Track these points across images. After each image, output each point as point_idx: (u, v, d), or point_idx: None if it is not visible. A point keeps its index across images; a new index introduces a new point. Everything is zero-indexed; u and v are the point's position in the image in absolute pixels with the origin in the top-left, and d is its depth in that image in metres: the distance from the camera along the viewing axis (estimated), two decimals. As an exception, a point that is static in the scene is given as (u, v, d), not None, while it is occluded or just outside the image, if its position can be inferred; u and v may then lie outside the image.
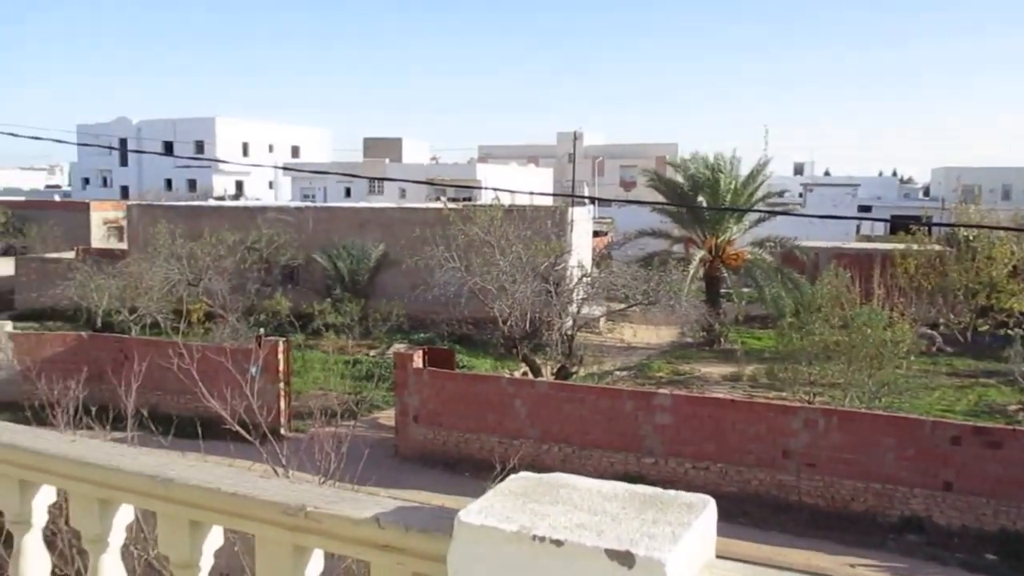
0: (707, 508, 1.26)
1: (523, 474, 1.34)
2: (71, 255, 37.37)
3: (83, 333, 24.58)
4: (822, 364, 20.18)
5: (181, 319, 26.70)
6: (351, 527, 1.34)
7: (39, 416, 11.32)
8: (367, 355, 27.50)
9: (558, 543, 1.11)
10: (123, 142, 69.40)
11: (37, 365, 21.13)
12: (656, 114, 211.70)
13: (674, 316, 27.08)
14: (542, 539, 1.12)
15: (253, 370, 16.42)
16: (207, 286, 28.90)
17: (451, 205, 32.74)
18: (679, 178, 32.28)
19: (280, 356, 20.97)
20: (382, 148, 68.75)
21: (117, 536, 1.60)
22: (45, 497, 1.68)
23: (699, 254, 29.89)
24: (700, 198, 30.72)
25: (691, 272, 28.18)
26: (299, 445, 11.63)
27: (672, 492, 1.28)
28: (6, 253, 44.26)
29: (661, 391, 19.18)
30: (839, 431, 16.22)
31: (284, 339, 22.36)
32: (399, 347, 25.00)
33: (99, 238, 48.76)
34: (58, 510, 1.74)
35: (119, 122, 73.47)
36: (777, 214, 31.60)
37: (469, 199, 41.81)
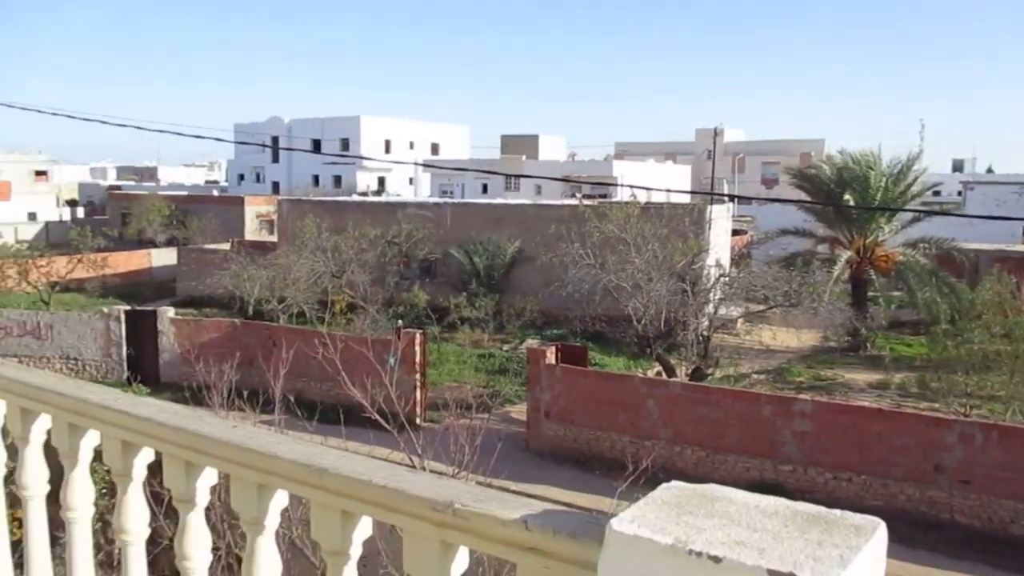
0: (877, 532, 1.17)
1: (675, 483, 1.29)
2: (226, 246, 39.71)
3: (236, 320, 26.03)
4: (981, 375, 18.85)
5: (325, 309, 27.88)
6: (498, 527, 1.33)
7: (197, 397, 12.05)
8: (500, 349, 27.83)
9: (716, 559, 1.06)
10: (275, 140, 73.08)
11: (195, 349, 22.60)
12: (801, 110, 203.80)
13: (817, 319, 25.96)
14: (699, 554, 1.07)
15: (391, 361, 16.95)
16: (349, 278, 30.03)
17: (587, 202, 32.67)
18: (826, 174, 30.89)
19: (417, 348, 21.52)
20: (519, 145, 69.42)
21: (272, 519, 1.66)
22: (208, 479, 1.76)
23: (845, 255, 28.54)
24: (847, 196, 29.32)
25: (836, 273, 26.95)
26: (434, 435, 11.90)
27: (838, 512, 1.20)
28: (170, 244, 47.46)
29: (801, 397, 18.44)
30: (999, 447, 15.11)
31: (421, 331, 22.94)
32: (532, 342, 25.16)
33: (252, 231, 51.58)
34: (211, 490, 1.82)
35: (272, 121, 77.40)
36: (934, 214, 29.80)
37: (605, 196, 41.60)
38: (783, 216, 33.67)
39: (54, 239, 51.35)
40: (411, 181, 71.63)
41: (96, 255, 37.24)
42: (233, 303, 31.12)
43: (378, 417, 10.51)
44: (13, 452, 2.24)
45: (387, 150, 73.49)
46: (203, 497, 1.78)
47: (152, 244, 48.57)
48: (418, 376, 21.32)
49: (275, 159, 75.56)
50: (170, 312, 26.27)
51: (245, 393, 11.93)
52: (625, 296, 22.42)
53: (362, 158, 66.15)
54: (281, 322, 27.03)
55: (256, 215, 53.53)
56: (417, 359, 21.44)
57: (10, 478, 2.31)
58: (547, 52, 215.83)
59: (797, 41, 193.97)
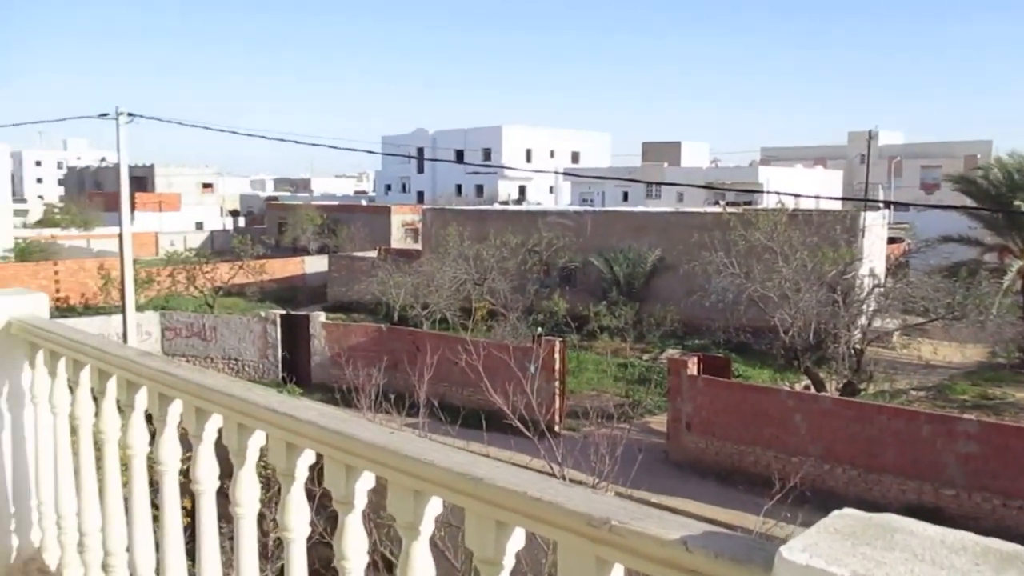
0: (1085, 575, 1.05)
1: (848, 511, 1.21)
2: (373, 254, 41.20)
3: (382, 325, 26.95)
4: None
5: (467, 316, 28.44)
6: (656, 546, 1.29)
7: (346, 399, 12.55)
8: (640, 359, 27.50)
9: (899, 597, 0.98)
10: (420, 151, 75.35)
11: (344, 352, 23.54)
12: (966, 111, 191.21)
13: (984, 333, 24.22)
14: (879, 589, 1.00)
15: (532, 368, 17.06)
16: (491, 285, 30.52)
17: (731, 209, 31.80)
18: (996, 177, 28.77)
19: (556, 355, 21.57)
20: (660, 152, 68.54)
21: (427, 526, 1.69)
22: (366, 482, 1.81)
23: (1016, 264, 26.48)
24: (1018, 202, 27.22)
25: (1006, 284, 25.07)
26: (574, 444, 11.88)
27: (1038, 551, 1.09)
28: (321, 251, 49.71)
29: (966, 416, 17.22)
30: None
31: (561, 339, 22.98)
32: (672, 352, 24.72)
33: (397, 239, 53.31)
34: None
35: (417, 133, 79.85)
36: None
37: (750, 203, 40.41)
38: (945, 223, 31.56)
39: (218, 247, 54.86)
40: (551, 190, 72.11)
41: (255, 262, 39.48)
42: (379, 308, 32.21)
43: (519, 424, 10.59)
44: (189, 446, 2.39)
45: (528, 159, 74.27)
46: (361, 500, 1.83)
47: (305, 252, 51.03)
48: (557, 384, 21.36)
49: (420, 170, 77.85)
50: (321, 317, 27.50)
51: (392, 396, 12.30)
52: (771, 307, 21.67)
53: (503, 168, 67.15)
54: (424, 328, 27.76)
55: (402, 224, 55.30)
56: (557, 367, 21.48)
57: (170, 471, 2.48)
58: (691, 56, 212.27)
59: (961, 38, 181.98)
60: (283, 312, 28.61)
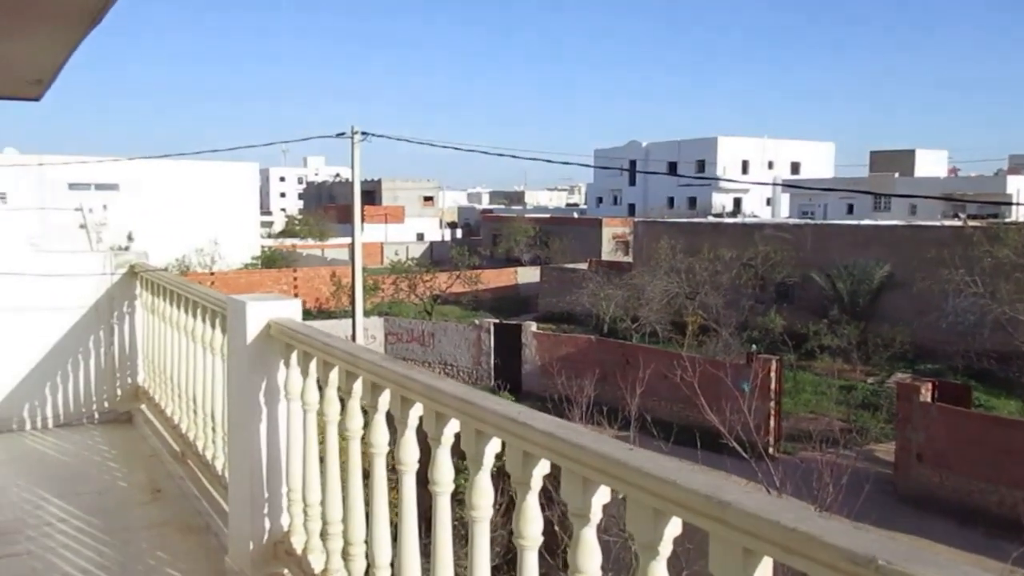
0: None
1: None
2: (584, 266, 41.57)
3: (592, 337, 27.09)
4: None
5: (677, 330, 27.96)
6: (931, 593, 1.18)
7: (557, 408, 12.70)
8: (864, 382, 25.77)
9: None
10: (632, 164, 75.14)
11: (554, 362, 23.90)
12: None
13: None
14: None
15: (745, 386, 16.46)
16: (703, 300, 29.84)
17: (974, 223, 29.09)
18: None
19: (772, 374, 20.70)
20: (891, 161, 64.03)
21: (666, 547, 1.65)
22: (602, 496, 1.80)
23: None
24: None
25: None
26: (793, 468, 11.30)
27: None
28: (533, 262, 50.84)
29: None
30: None
31: (777, 357, 22.03)
32: (902, 377, 22.94)
33: (608, 251, 53.45)
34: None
35: (630, 146, 79.74)
36: None
37: (996, 216, 36.78)
38: None
39: (437, 257, 57.61)
40: (769, 202, 69.38)
41: (471, 272, 41.08)
42: (589, 320, 32.42)
43: (735, 445, 10.24)
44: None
45: (744, 171, 71.98)
46: (597, 514, 1.82)
47: (518, 263, 52.41)
48: (773, 404, 20.47)
49: (632, 182, 77.66)
50: (533, 326, 28.09)
51: (605, 409, 12.31)
52: (1021, 331, 19.57)
53: (717, 179, 65.53)
54: (634, 341, 27.60)
55: (612, 236, 55.40)
56: (772, 386, 20.60)
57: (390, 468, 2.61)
58: (927, 58, 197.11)
59: None
60: (496, 321, 29.51)
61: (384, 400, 2.67)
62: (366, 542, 2.90)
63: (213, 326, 4.38)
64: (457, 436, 2.33)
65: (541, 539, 2.03)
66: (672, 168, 68.35)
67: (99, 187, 46.66)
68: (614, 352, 24.39)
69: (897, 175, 59.02)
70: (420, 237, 73.55)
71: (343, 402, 3.01)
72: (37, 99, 11.54)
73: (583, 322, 33.36)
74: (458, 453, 2.29)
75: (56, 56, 8.79)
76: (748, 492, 1.48)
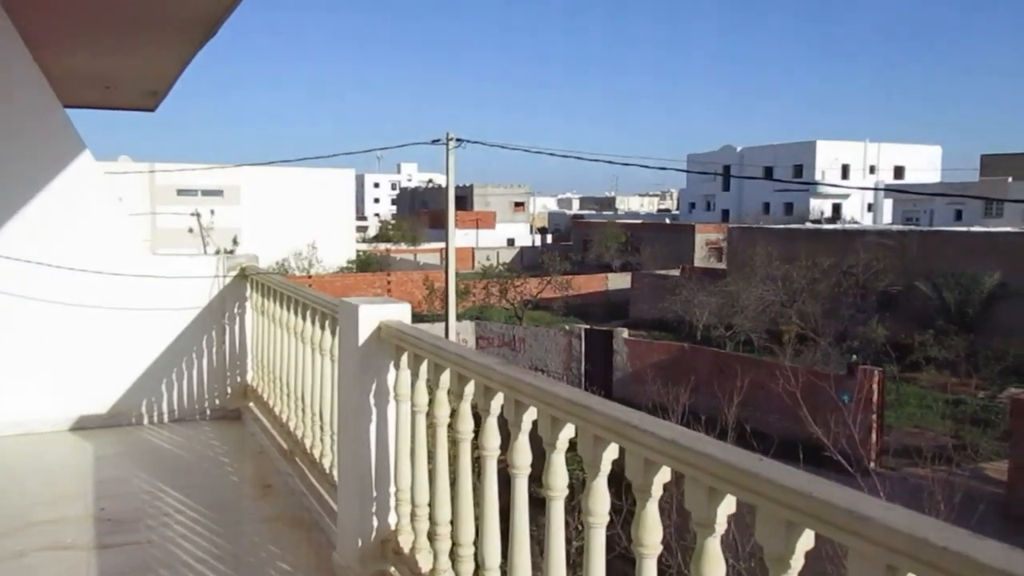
0: None
1: None
2: (676, 272, 41.01)
3: (684, 344, 26.69)
4: None
5: (773, 339, 27.25)
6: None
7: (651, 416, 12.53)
8: (973, 396, 24.58)
9: None
10: (726, 168, 73.77)
11: (645, 369, 23.64)
12: None
13: None
14: None
15: (845, 398, 15.94)
16: (800, 308, 29.02)
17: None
18: None
19: (874, 386, 19.96)
20: (1005, 165, 60.91)
21: (798, 560, 1.61)
22: (728, 506, 1.77)
23: None
24: None
25: None
26: (898, 485, 10.87)
27: None
28: (624, 269, 50.45)
29: None
30: None
31: (879, 369, 21.24)
32: (1016, 391, 21.75)
33: (700, 258, 52.60)
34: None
35: (724, 150, 78.32)
36: None
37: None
38: None
39: (527, 262, 57.79)
40: (870, 208, 67.04)
41: (561, 277, 41.03)
42: (681, 327, 31.95)
43: (840, 458, 9.91)
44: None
45: (844, 175, 69.77)
46: (722, 524, 1.79)
47: (608, 268, 52.11)
48: (875, 417, 19.73)
49: (726, 187, 76.27)
50: (624, 333, 27.87)
51: (703, 418, 12.09)
52: None
53: (815, 184, 63.72)
54: (728, 349, 27.06)
55: (705, 243, 54.50)
56: (875, 398, 19.87)
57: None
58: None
59: None
60: (587, 327, 29.40)
61: (497, 403, 2.69)
62: (475, 544, 2.93)
63: (323, 328, 4.50)
64: (571, 441, 2.33)
65: (660, 548, 2.01)
66: (768, 173, 66.79)
67: (205, 193, 48.64)
68: (707, 360, 23.95)
69: (1011, 179, 56.13)
70: (511, 242, 73.96)
71: (454, 404, 3.05)
72: (152, 110, 12.09)
73: (675, 329, 32.89)
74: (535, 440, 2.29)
75: (172, 68, 9.17)
76: (889, 506, 1.43)
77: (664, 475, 1.96)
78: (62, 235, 6.03)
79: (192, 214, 33.92)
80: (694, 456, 1.79)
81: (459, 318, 30.54)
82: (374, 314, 3.57)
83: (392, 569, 3.59)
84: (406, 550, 3.46)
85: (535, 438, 2.45)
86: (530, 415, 2.50)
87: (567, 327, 29.79)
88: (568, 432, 2.33)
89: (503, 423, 2.68)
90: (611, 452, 2.15)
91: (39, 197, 5.95)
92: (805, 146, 71.12)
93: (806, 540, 1.60)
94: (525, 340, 29.43)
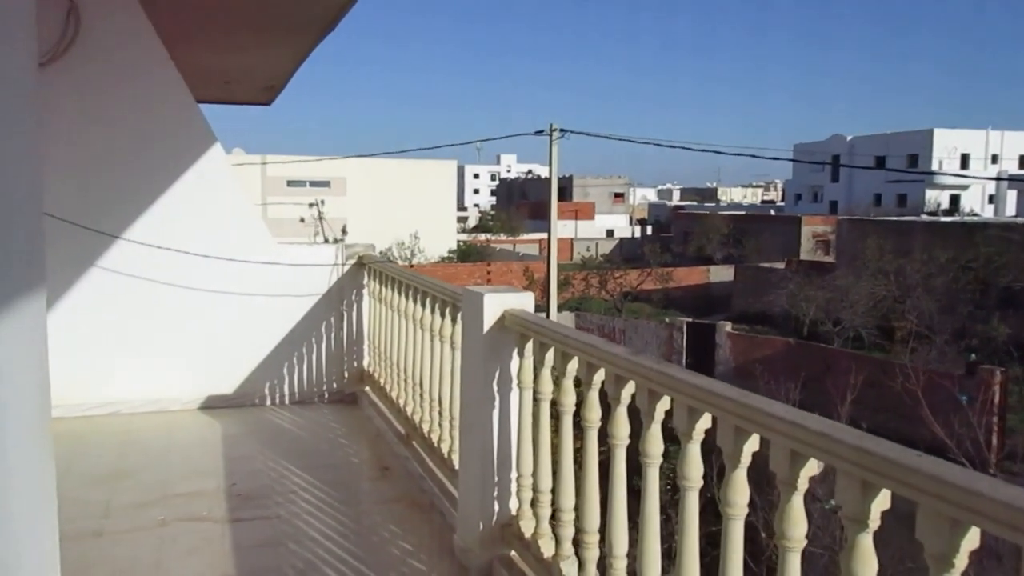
0: None
1: None
2: (781, 266, 39.92)
3: (791, 340, 25.99)
4: None
5: (884, 335, 26.25)
6: None
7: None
8: (1107, 401, 23.04)
9: None
10: (835, 158, 71.21)
11: (750, 364, 23.14)
12: None
13: None
14: None
15: (964, 399, 15.22)
16: (914, 304, 27.82)
17: None
18: None
19: (996, 387, 18.99)
20: None
21: (962, 560, 1.57)
22: (883, 502, 1.74)
23: None
24: None
25: None
26: None
27: None
28: (726, 261, 49.41)
29: None
30: None
31: (1000, 368, 20.18)
32: None
33: (807, 251, 51.01)
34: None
35: (833, 140, 75.61)
36: None
37: None
38: None
39: (626, 254, 57.31)
40: (991, 199, 63.58)
41: (662, 269, 40.52)
42: (786, 322, 31.11)
43: (965, 462, 9.49)
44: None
45: (963, 165, 66.37)
46: (876, 520, 1.75)
47: (710, 261, 51.15)
48: (995, 419, 18.77)
49: (834, 178, 73.67)
50: (727, 327, 27.35)
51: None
52: None
53: (931, 174, 60.88)
54: (835, 345, 26.20)
55: (812, 235, 52.83)
56: (996, 399, 18.90)
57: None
58: None
59: None
60: (689, 320, 28.98)
61: (627, 392, 2.70)
62: (601, 531, 2.95)
63: (443, 315, 4.60)
64: (707, 432, 2.33)
65: (805, 541, 1.98)
66: (880, 163, 64.17)
67: (313, 184, 50.14)
68: (813, 356, 23.26)
69: None
70: (610, 234, 73.52)
71: (580, 393, 3.07)
72: (268, 104, 12.52)
73: (779, 324, 32.05)
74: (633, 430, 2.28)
75: (289, 64, 9.48)
76: (1071, 508, 1.37)
77: (811, 468, 1.94)
78: (196, 224, 6.34)
79: (311, 204, 35.10)
80: (848, 450, 1.76)
81: (559, 309, 30.58)
82: (498, 302, 3.63)
83: (513, 553, 3.65)
84: (527, 535, 3.51)
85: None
86: (663, 404, 2.50)
87: (668, 320, 29.43)
88: (705, 422, 2.32)
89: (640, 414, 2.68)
90: (752, 443, 2.13)
91: (174, 188, 6.28)
92: (921, 135, 67.96)
93: (972, 539, 1.56)
94: (625, 332, 29.24)
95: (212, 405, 6.56)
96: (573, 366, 3.10)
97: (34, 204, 2.84)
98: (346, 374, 6.88)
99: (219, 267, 6.37)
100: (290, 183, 49.04)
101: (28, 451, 2.62)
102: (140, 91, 6.13)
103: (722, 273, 45.23)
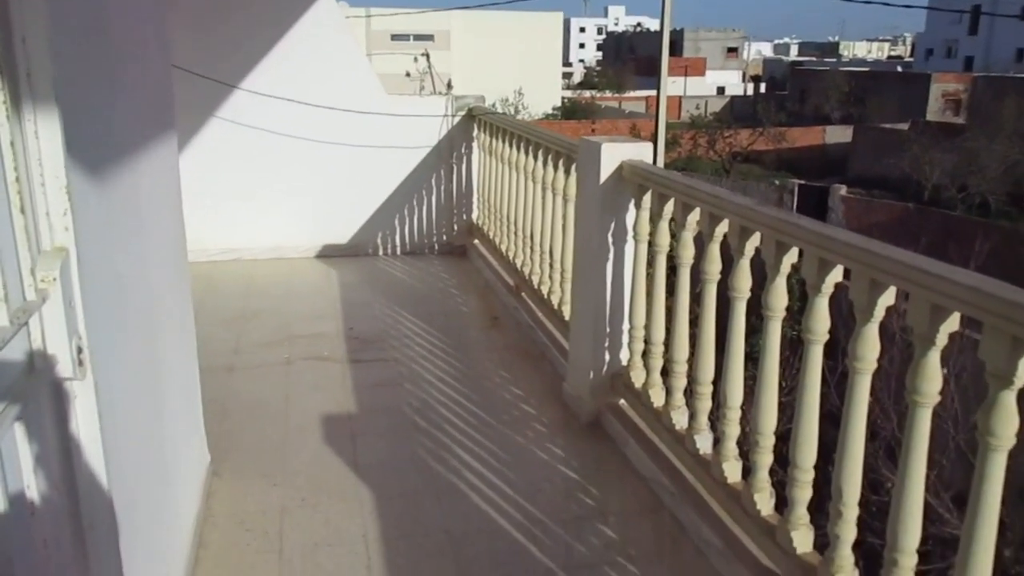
0: None
1: None
2: (905, 127, 37.54)
3: (909, 204, 24.79)
4: None
5: (1013, 203, 24.72)
6: None
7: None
8: None
9: None
10: (976, 8, 65.21)
11: (865, 229, 22.27)
12: None
13: None
14: None
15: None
16: (1051, 170, 25.95)
17: None
18: None
19: None
20: None
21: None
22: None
23: None
24: None
25: None
26: None
27: None
28: (844, 121, 46.77)
29: None
30: None
31: None
32: None
33: (935, 111, 47.64)
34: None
35: (978, -14, 68.94)
36: None
37: None
38: None
39: (737, 113, 54.91)
40: None
41: (775, 129, 38.79)
42: (906, 187, 29.59)
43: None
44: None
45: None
46: (1021, 378, 1.68)
47: (827, 120, 48.55)
48: None
49: (972, 31, 67.72)
50: (842, 190, 26.25)
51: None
52: None
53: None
54: (958, 212, 24.86)
55: (942, 94, 49.18)
56: None
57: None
58: None
59: None
60: (801, 182, 27.92)
61: (752, 245, 2.62)
62: (715, 383, 2.96)
63: (555, 167, 4.54)
64: (836, 285, 2.25)
65: (938, 398, 1.92)
66: (1027, 13, 58.39)
67: (417, 38, 49.45)
68: (934, 223, 22.15)
69: None
70: (721, 91, 70.35)
71: (701, 244, 3.01)
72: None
73: (899, 189, 30.47)
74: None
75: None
76: None
77: (952, 323, 1.85)
78: (310, 75, 6.37)
79: (419, 56, 34.74)
80: (998, 304, 1.66)
81: (665, 169, 29.82)
82: (617, 153, 3.54)
83: (622, 402, 3.72)
84: (638, 385, 3.55)
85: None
86: (790, 257, 2.43)
87: (778, 182, 28.39)
88: (836, 275, 2.24)
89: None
90: (888, 297, 2.05)
91: (288, 36, 6.28)
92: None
93: None
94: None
95: (327, 254, 6.79)
96: (694, 217, 3.03)
97: (163, 55, 2.88)
98: (455, 226, 6.96)
99: (333, 118, 6.43)
100: (394, 37, 48.49)
101: (171, 290, 2.77)
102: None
103: (840, 134, 42.96)
